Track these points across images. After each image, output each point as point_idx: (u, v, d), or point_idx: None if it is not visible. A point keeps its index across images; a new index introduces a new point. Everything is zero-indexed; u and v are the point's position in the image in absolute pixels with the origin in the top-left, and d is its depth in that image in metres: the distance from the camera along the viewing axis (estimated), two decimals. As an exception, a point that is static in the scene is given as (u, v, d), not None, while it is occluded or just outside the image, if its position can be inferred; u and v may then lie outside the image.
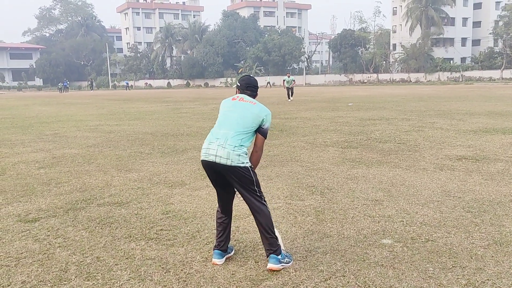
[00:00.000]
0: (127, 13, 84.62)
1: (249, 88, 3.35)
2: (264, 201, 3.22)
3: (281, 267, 3.13)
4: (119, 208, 4.66)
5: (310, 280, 2.99)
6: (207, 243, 3.65)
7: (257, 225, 3.22)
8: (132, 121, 14.38)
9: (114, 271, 3.16)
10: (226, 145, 3.05)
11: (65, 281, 3.03)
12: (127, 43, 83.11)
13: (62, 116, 17.17)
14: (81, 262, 3.33)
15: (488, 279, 2.94)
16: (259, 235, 3.75)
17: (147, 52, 76.74)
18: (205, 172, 3.27)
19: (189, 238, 3.77)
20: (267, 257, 3.17)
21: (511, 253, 3.34)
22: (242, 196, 3.20)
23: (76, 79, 73.77)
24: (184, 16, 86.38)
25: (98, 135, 10.73)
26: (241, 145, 3.09)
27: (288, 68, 65.88)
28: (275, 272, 3.09)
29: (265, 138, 3.25)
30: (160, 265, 3.24)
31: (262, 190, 3.26)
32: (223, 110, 3.29)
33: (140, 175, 6.20)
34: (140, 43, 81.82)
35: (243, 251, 3.49)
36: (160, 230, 3.98)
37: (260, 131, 3.20)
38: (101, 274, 3.12)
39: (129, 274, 3.11)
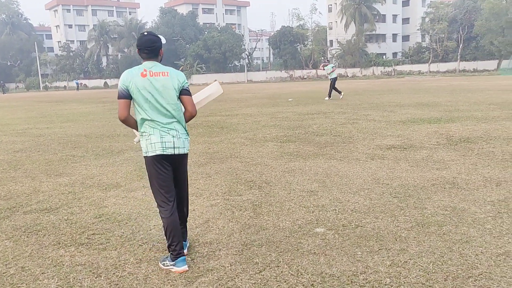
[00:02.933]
0: (56, 10, 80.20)
1: (145, 50, 3.02)
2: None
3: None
4: (48, 214, 4.44)
5: (245, 273, 3.03)
6: (142, 244, 3.58)
7: (179, 215, 3.24)
8: (64, 123, 13.70)
9: (40, 280, 3.01)
10: (180, 135, 3.10)
11: (-15, 294, 2.85)
12: (58, 42, 78.85)
13: (-13, 120, 16.00)
14: (3, 273, 3.13)
15: (410, 259, 3.14)
16: (195, 233, 3.76)
17: (81, 51, 73.31)
18: (152, 168, 3.07)
19: (123, 241, 3.67)
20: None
21: (431, 233, 3.58)
22: (179, 182, 3.24)
23: (4, 80, 68.84)
24: (119, 13, 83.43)
25: (26, 139, 10.12)
26: (186, 130, 3.19)
27: (229, 65, 65.93)
28: (210, 268, 3.10)
29: (190, 95, 3.20)
30: (90, 270, 3.13)
31: (199, 186, 3.38)
32: (138, 88, 2.97)
33: (71, 179, 5.94)
34: (72, 41, 77.90)
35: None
36: (92, 234, 3.84)
37: (185, 93, 3.12)
38: (26, 284, 2.96)
39: (56, 282, 2.97)
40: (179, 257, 3.07)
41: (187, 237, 3.47)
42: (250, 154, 7.22)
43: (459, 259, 3.09)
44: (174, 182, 3.20)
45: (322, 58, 65.17)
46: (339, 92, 18.71)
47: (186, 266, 3.10)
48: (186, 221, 3.45)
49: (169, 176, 3.14)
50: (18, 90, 69.35)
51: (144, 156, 3.11)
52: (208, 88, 3.98)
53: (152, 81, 3.01)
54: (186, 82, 3.16)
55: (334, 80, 18.58)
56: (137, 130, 3.16)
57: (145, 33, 3.09)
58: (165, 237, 3.19)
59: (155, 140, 3.02)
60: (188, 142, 3.18)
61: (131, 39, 68.85)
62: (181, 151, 3.11)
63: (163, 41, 3.12)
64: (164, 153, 3.03)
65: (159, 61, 3.11)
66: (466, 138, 7.73)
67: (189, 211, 3.62)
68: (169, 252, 3.13)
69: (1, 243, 3.72)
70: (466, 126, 9.10)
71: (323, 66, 19.47)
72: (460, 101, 15.09)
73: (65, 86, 69.63)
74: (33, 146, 9.02)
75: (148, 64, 3.05)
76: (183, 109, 3.19)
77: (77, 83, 61.12)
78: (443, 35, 54.66)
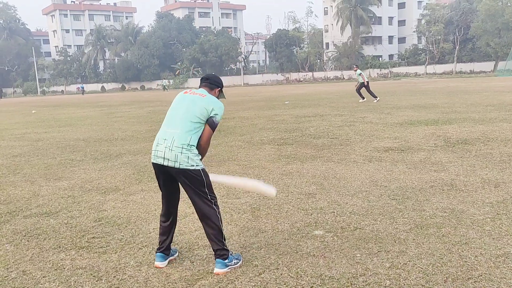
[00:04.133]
0: (54, 15, 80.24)
1: (205, 81, 3.27)
2: (215, 204, 3.11)
3: (228, 270, 3.09)
4: (48, 218, 4.45)
5: (245, 275, 3.05)
6: (141, 248, 3.59)
7: (204, 230, 3.16)
8: (62, 127, 13.69)
9: (41, 284, 3.02)
10: (173, 147, 2.94)
11: (-14, 299, 2.85)
12: (56, 47, 78.86)
13: (-16, 125, 15.96)
14: (5, 277, 3.14)
15: (409, 261, 3.16)
16: (195, 236, 3.77)
17: (78, 56, 73.34)
18: (156, 177, 3.19)
19: (123, 244, 3.68)
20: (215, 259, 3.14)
21: (430, 235, 3.61)
22: (190, 199, 3.10)
23: (1, 85, 68.61)
24: (116, 18, 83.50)
25: (25, 144, 10.11)
26: (190, 145, 2.96)
27: (226, 68, 65.97)
28: (210, 271, 3.11)
29: (213, 131, 3.08)
30: (91, 274, 3.14)
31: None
32: (173, 103, 3.19)
33: (70, 183, 5.94)
34: (69, 46, 77.94)
35: (178, 252, 3.47)
36: (92, 238, 3.85)
37: (208, 121, 3.05)
38: (27, 288, 2.97)
39: (57, 286, 2.98)
40: (157, 252, 3.26)
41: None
42: (247, 157, 7.24)
43: (458, 260, 3.11)
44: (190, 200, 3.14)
45: (319, 61, 65.44)
46: (362, 97, 18.45)
47: (159, 263, 3.22)
48: (220, 246, 3.13)
49: (165, 185, 3.14)
50: (15, 95, 69.20)
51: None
52: (262, 186, 3.51)
53: (186, 96, 3.18)
54: (217, 114, 3.07)
55: (362, 84, 18.33)
56: None
57: (212, 74, 3.46)
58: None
59: (152, 147, 3.12)
60: (186, 158, 2.94)
61: (127, 43, 68.91)
62: (170, 165, 2.95)
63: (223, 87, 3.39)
64: (154, 161, 3.07)
65: (208, 93, 3.23)
66: (464, 140, 7.77)
67: (187, 214, 3.62)
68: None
69: (1, 247, 3.72)
70: (464, 128, 9.15)
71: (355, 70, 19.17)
72: (457, 102, 15.16)
73: (62, 90, 69.53)
74: (32, 151, 9.01)
75: (199, 89, 3.26)
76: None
77: (82, 88, 61.01)
78: (440, 37, 54.90)
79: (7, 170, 7.09)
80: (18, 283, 3.04)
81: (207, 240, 3.67)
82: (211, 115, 3.04)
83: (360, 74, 18.31)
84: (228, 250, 3.14)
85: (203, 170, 3.03)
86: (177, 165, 2.94)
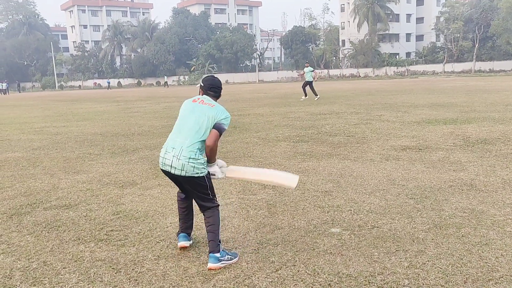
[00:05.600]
0: (72, 10, 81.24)
1: (212, 89, 3.33)
2: (216, 202, 3.28)
3: (221, 265, 3.11)
4: (67, 210, 4.52)
5: (262, 271, 3.05)
6: (159, 241, 3.63)
7: (206, 221, 3.26)
8: (80, 122, 13.89)
9: (62, 275, 3.07)
10: (180, 157, 3.06)
11: (9, 287, 2.92)
12: (74, 42, 79.86)
13: (5, 119, 16.29)
14: (26, 267, 3.21)
15: (428, 260, 3.12)
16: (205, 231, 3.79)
17: (95, 51, 74.13)
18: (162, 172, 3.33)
19: (141, 238, 3.72)
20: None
21: (449, 235, 3.56)
22: (194, 199, 3.30)
23: (20, 79, 69.92)
24: (133, 14, 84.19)
25: (44, 137, 10.29)
26: (197, 156, 3.09)
27: (241, 65, 66.08)
28: (227, 266, 3.13)
29: (220, 134, 3.16)
30: (110, 266, 3.19)
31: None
32: (182, 112, 3.27)
33: (89, 177, 6.02)
34: (87, 41, 78.84)
35: (195, 247, 3.50)
36: (111, 231, 3.90)
37: (215, 126, 3.13)
38: (48, 278, 3.03)
39: (77, 277, 3.03)
40: (180, 233, 3.48)
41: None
42: (263, 154, 7.24)
43: (478, 261, 3.07)
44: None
45: (334, 58, 65.00)
46: (305, 94, 19.49)
47: (184, 242, 3.43)
48: (214, 238, 3.21)
49: (176, 184, 3.38)
50: (34, 89, 70.34)
51: None
52: (285, 176, 3.66)
53: (196, 105, 3.24)
54: (224, 120, 3.17)
55: (310, 82, 19.44)
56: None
57: (214, 76, 3.42)
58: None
59: (161, 154, 3.24)
60: (192, 168, 3.06)
61: (144, 39, 69.44)
62: (177, 173, 3.09)
63: None
64: (162, 168, 3.21)
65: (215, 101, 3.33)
66: (484, 140, 7.64)
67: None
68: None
69: (23, 238, 3.80)
70: (483, 127, 8.99)
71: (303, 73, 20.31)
72: (476, 101, 14.90)
73: (79, 85, 70.45)
74: (51, 144, 9.16)
75: (206, 97, 3.30)
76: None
77: (108, 83, 62.08)
78: (459, 35, 54.00)
79: (27, 163, 7.22)
80: (39, 274, 3.10)
81: (223, 236, 3.70)
82: (217, 121, 3.16)
83: (312, 71, 19.59)
84: (219, 245, 3.20)
85: (207, 176, 3.22)
86: (183, 173, 3.10)
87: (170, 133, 3.27)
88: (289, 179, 3.56)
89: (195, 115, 3.16)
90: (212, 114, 3.14)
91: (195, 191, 3.21)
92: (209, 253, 3.14)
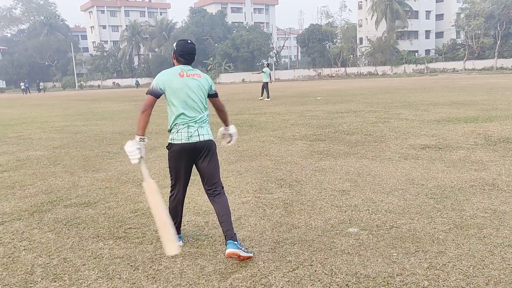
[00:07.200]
0: (91, 11, 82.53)
1: (182, 56, 3.29)
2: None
3: (240, 252, 3.10)
4: (87, 208, 4.59)
5: (279, 270, 3.04)
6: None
7: (219, 212, 3.27)
8: (99, 121, 14.09)
9: (81, 271, 3.12)
10: (203, 124, 3.30)
11: (31, 283, 2.97)
12: (93, 42, 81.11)
13: (26, 118, 16.64)
14: (47, 264, 3.26)
15: (449, 262, 3.06)
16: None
17: (114, 51, 75.16)
18: (176, 162, 3.32)
19: (158, 236, 3.74)
20: (226, 242, 3.18)
21: (471, 236, 3.48)
22: (208, 169, 3.32)
23: (41, 79, 71.40)
24: (151, 14, 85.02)
25: (64, 136, 10.47)
26: (208, 120, 3.41)
27: (257, 64, 66.05)
28: (244, 265, 3.13)
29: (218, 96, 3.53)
30: (128, 263, 3.22)
31: (230, 184, 3.42)
32: (175, 90, 3.21)
33: (108, 175, 6.10)
34: (106, 41, 79.99)
35: (212, 245, 3.51)
36: (129, 228, 3.95)
37: (213, 95, 3.45)
38: (68, 275, 3.08)
39: (97, 274, 3.07)
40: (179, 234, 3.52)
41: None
42: (279, 153, 7.22)
43: (501, 263, 3.00)
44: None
45: (352, 56, 64.37)
46: (262, 94, 20.94)
47: (181, 242, 3.52)
48: (231, 227, 3.29)
49: (186, 168, 3.44)
50: (55, 89, 71.68)
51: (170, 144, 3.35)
52: (170, 239, 3.17)
53: (188, 81, 3.28)
54: (213, 86, 3.47)
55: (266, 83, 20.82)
56: (142, 132, 3.27)
57: (189, 41, 3.36)
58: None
59: (180, 130, 3.27)
60: (210, 130, 3.39)
61: (161, 39, 70.08)
62: (206, 138, 3.29)
63: None
64: (189, 141, 3.25)
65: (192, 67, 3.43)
66: (506, 138, 7.46)
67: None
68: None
69: (44, 235, 3.87)
70: (506, 126, 8.78)
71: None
72: (498, 99, 14.57)
73: (99, 85, 71.49)
74: (71, 143, 9.32)
75: (184, 67, 3.32)
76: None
77: (137, 81, 62.45)
78: (480, 32, 52.92)
79: (48, 161, 7.36)
80: (60, 270, 3.15)
81: (240, 234, 3.70)
82: (212, 90, 3.42)
83: (269, 73, 21.21)
84: (235, 234, 3.26)
85: None
86: (209, 137, 3.31)
87: (173, 114, 3.27)
88: (170, 243, 3.12)
89: (194, 91, 3.26)
90: (204, 84, 3.33)
91: (213, 157, 3.34)
92: (228, 240, 3.14)
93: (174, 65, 3.38)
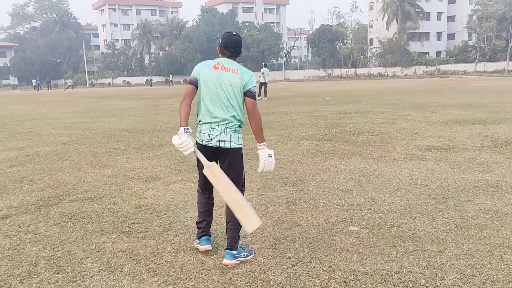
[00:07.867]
0: (103, 9, 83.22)
1: (227, 48, 3.11)
2: (244, 186, 3.29)
3: (236, 262, 3.13)
4: (92, 203, 4.66)
5: (278, 266, 3.08)
6: (178, 235, 3.70)
7: (227, 216, 3.21)
8: (108, 118, 14.23)
9: (84, 264, 3.18)
10: (227, 129, 3.08)
11: (34, 274, 3.04)
12: (104, 40, 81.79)
13: (37, 114, 16.86)
14: (51, 256, 3.33)
15: (447, 261, 3.07)
16: (224, 226, 3.82)
17: (125, 49, 75.72)
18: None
19: (161, 231, 3.81)
20: (225, 249, 3.18)
21: (471, 236, 3.49)
22: (226, 173, 3.10)
23: (53, 77, 72.14)
24: (162, 13, 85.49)
25: (73, 133, 10.60)
26: (239, 123, 3.14)
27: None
28: (244, 261, 3.16)
29: (255, 100, 3.13)
30: (130, 257, 3.28)
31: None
32: (205, 80, 3.08)
33: (114, 171, 6.19)
34: (117, 40, 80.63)
35: (213, 241, 3.54)
36: (132, 223, 4.01)
37: (248, 95, 3.09)
38: (71, 267, 3.14)
39: (99, 266, 3.14)
40: (202, 236, 3.35)
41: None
42: (285, 152, 7.25)
43: (499, 263, 3.00)
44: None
45: (362, 57, 64.06)
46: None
47: (208, 246, 3.32)
48: (234, 235, 3.22)
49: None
50: (66, 86, 72.34)
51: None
52: (250, 214, 3.06)
53: (221, 74, 3.07)
54: (253, 83, 3.13)
55: (264, 83, 21.04)
56: (184, 122, 3.07)
57: (234, 33, 3.17)
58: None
59: (202, 129, 3.13)
60: (237, 139, 3.14)
61: (172, 37, 70.41)
62: (227, 145, 3.08)
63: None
64: (208, 144, 3.11)
65: (236, 60, 3.19)
66: (512, 141, 7.41)
67: (223, 204, 3.69)
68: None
69: (49, 228, 3.95)
70: (513, 128, 8.71)
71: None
72: (508, 102, 14.44)
73: (109, 83, 72.06)
74: (79, 139, 9.44)
75: (224, 61, 3.12)
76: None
77: (150, 79, 62.30)
78: (492, 34, 52.35)
79: (56, 156, 7.47)
80: (63, 262, 3.22)
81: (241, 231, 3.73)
82: (248, 88, 3.10)
83: (267, 74, 21.30)
84: (237, 242, 3.19)
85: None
86: (232, 145, 3.10)
87: (200, 107, 3.12)
88: (249, 219, 3.03)
89: (224, 87, 3.05)
90: (238, 82, 3.06)
91: (234, 163, 3.14)
92: (226, 249, 3.16)
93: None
